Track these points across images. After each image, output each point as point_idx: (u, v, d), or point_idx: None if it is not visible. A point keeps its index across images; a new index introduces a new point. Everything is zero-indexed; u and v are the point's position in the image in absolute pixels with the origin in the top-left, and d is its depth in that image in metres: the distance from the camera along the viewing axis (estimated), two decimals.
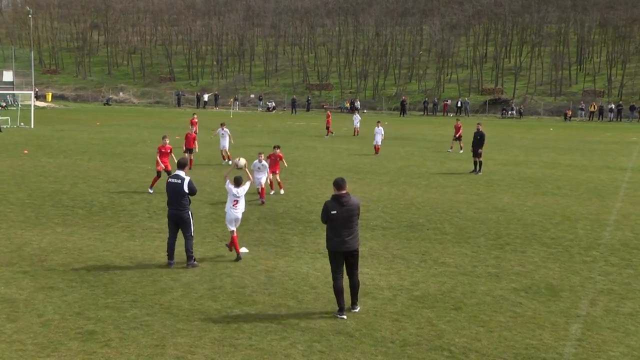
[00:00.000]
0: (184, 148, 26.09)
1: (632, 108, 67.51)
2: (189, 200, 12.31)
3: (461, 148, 34.32)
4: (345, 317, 9.67)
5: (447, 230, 15.69)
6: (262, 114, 73.85)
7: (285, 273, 11.90)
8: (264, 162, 18.88)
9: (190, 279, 11.43)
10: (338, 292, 9.73)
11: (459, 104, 73.36)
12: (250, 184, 14.02)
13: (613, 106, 68.81)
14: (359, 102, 75.93)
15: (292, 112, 74.91)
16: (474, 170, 26.08)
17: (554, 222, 16.82)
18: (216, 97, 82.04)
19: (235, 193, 12.83)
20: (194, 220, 12.68)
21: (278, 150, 20.07)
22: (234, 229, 12.82)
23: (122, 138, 38.37)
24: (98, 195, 19.60)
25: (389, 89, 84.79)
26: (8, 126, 45.00)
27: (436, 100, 75.59)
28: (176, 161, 20.96)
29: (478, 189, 22.10)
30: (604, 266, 12.76)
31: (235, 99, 79.79)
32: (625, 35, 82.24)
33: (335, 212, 9.62)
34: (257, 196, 18.92)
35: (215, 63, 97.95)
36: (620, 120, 67.54)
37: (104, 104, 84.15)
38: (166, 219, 12.61)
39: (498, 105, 75.78)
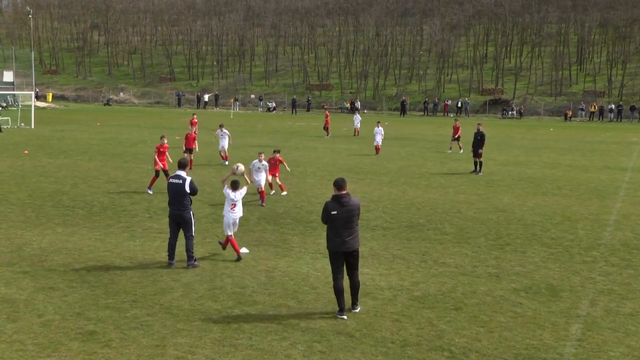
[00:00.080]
0: (184, 148, 26.09)
1: (632, 108, 67.50)
2: (190, 201, 12.32)
3: (460, 148, 34.32)
4: (345, 317, 9.67)
5: (448, 230, 15.69)
6: (262, 114, 73.87)
7: (285, 273, 11.90)
8: (264, 162, 18.88)
9: (190, 279, 11.44)
10: (338, 292, 9.73)
11: (459, 104, 73.39)
12: (250, 185, 14.03)
13: (613, 106, 68.82)
14: (359, 103, 75.95)
15: (292, 113, 74.92)
16: (474, 171, 26.08)
17: (554, 222, 16.82)
18: (216, 97, 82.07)
19: (233, 198, 12.89)
20: (195, 220, 12.68)
21: (278, 155, 20.07)
22: (231, 233, 12.84)
23: (122, 138, 38.38)
24: (98, 195, 19.61)
25: (389, 89, 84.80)
26: (8, 126, 45.00)
27: (436, 101, 75.61)
28: (171, 160, 21.19)
29: (478, 189, 22.10)
30: (604, 266, 12.76)
31: (236, 99, 79.79)
32: (626, 36, 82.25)
33: (335, 212, 9.62)
34: (257, 196, 18.91)
35: (215, 63, 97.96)
36: (621, 120, 67.55)
37: (105, 105, 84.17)
38: (166, 219, 12.62)
39: (498, 105, 75.80)
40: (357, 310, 9.94)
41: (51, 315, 9.61)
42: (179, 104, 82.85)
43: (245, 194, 13.25)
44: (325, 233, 10.00)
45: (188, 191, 12.11)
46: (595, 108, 69.77)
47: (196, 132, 28.10)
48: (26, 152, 30.57)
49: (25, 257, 12.68)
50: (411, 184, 22.92)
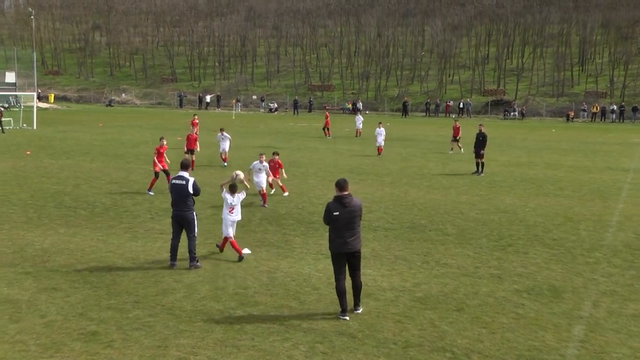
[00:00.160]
0: (185, 149, 26.09)
1: (634, 109, 67.42)
2: (193, 201, 12.34)
3: (460, 148, 34.32)
4: (347, 318, 9.67)
5: (450, 231, 15.68)
6: (264, 115, 73.90)
7: (287, 274, 11.90)
8: (264, 163, 18.89)
9: (192, 280, 11.44)
10: (340, 293, 9.73)
11: (461, 105, 73.38)
12: (249, 188, 14.10)
13: (615, 107, 68.76)
14: (361, 103, 75.95)
15: (294, 113, 74.95)
16: (476, 172, 26.07)
17: (556, 223, 16.81)
18: (218, 98, 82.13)
19: (231, 202, 12.96)
20: (197, 221, 12.69)
21: (277, 157, 20.07)
22: (231, 235, 12.88)
23: (124, 139, 38.41)
24: (100, 196, 19.62)
25: (391, 90, 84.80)
26: (11, 127, 45.07)
27: (438, 102, 75.58)
28: (169, 161, 21.21)
29: (480, 190, 22.09)
30: (606, 267, 12.74)
31: (238, 100, 79.81)
32: (628, 36, 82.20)
33: (337, 213, 9.62)
34: (258, 197, 18.91)
35: (217, 64, 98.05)
36: (623, 121, 67.48)
37: (106, 105, 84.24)
38: (168, 220, 12.63)
39: (500, 106, 75.78)
40: (360, 311, 9.94)
41: (53, 316, 9.61)
42: (181, 105, 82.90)
43: (244, 197, 13.29)
44: (327, 234, 9.99)
45: (191, 192, 12.11)
46: (597, 109, 69.71)
47: (197, 132, 28.11)
48: (28, 152, 30.61)
49: (27, 258, 12.70)
50: (413, 185, 22.91)
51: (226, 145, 27.71)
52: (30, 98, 62.14)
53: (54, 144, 35.13)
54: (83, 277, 11.54)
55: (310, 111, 78.06)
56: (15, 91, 70.28)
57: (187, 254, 12.26)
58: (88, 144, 35.01)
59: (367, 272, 11.78)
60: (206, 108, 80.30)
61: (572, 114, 69.04)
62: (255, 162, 18.93)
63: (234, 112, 71.91)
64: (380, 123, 33.97)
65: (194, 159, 25.43)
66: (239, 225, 14.25)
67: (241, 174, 13.89)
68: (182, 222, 12.21)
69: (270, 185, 19.94)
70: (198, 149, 26.44)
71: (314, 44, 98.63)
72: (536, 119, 71.29)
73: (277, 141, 38.49)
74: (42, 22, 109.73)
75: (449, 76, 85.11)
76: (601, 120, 68.87)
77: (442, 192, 21.42)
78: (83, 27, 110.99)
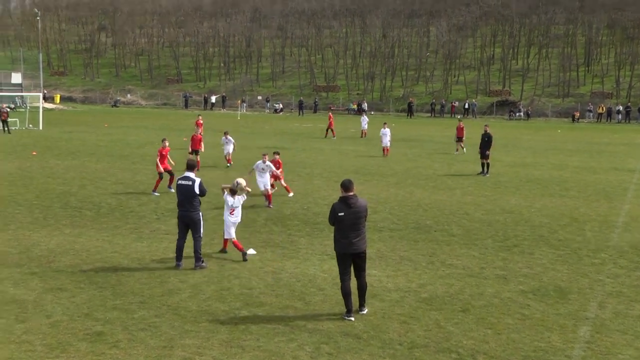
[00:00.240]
0: (190, 150, 26.13)
1: None
2: (200, 202, 12.36)
3: (463, 148, 34.28)
4: (352, 318, 9.67)
5: (455, 232, 15.66)
6: (269, 116, 73.95)
7: (292, 275, 11.91)
8: (268, 162, 18.89)
9: (198, 281, 11.45)
10: (346, 293, 9.73)
11: (467, 106, 73.26)
12: (250, 192, 14.13)
13: (621, 108, 68.52)
14: (366, 104, 75.92)
15: (299, 114, 74.97)
16: (482, 172, 26.02)
17: (562, 224, 16.77)
18: (224, 98, 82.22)
19: (232, 203, 13.04)
20: (203, 222, 12.71)
21: (277, 157, 20.07)
22: (233, 236, 12.92)
23: (129, 140, 38.50)
24: (106, 196, 19.67)
25: (396, 90, 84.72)
26: (17, 128, 45.22)
27: (443, 102, 75.48)
28: (173, 162, 21.24)
29: (485, 190, 22.05)
30: (612, 268, 12.70)
31: (243, 101, 79.90)
32: (634, 37, 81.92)
33: (342, 213, 9.62)
34: (262, 198, 18.91)
35: (222, 65, 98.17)
36: (629, 122, 67.23)
37: (112, 106, 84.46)
38: (174, 221, 12.66)
39: (505, 106, 75.62)
40: (365, 312, 9.93)
41: (59, 316, 9.64)
42: (186, 106, 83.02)
43: (245, 199, 13.33)
44: (332, 234, 10.00)
45: (197, 192, 12.13)
46: (603, 109, 69.47)
47: (202, 133, 28.15)
48: (34, 153, 30.71)
49: (33, 258, 12.74)
50: (418, 186, 22.89)
51: (230, 149, 27.75)
52: (36, 99, 62.30)
53: (60, 144, 35.23)
54: (89, 277, 11.57)
55: (315, 112, 78.07)
56: (22, 92, 70.49)
57: (193, 254, 12.28)
58: (94, 145, 35.10)
59: (373, 273, 11.77)
60: (211, 109, 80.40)
61: (577, 114, 68.81)
62: (259, 162, 18.93)
63: (239, 112, 71.97)
64: (385, 124, 33.92)
65: (198, 159, 25.46)
66: (244, 226, 14.26)
67: (243, 182, 13.81)
68: (188, 222, 12.23)
69: (271, 186, 19.94)
70: (202, 150, 26.48)
71: (319, 44, 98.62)
72: (542, 120, 71.12)
73: (282, 142, 38.51)
74: (48, 23, 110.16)
75: (454, 77, 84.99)
76: (607, 121, 68.64)
77: (448, 193, 21.39)
78: (89, 28, 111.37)
